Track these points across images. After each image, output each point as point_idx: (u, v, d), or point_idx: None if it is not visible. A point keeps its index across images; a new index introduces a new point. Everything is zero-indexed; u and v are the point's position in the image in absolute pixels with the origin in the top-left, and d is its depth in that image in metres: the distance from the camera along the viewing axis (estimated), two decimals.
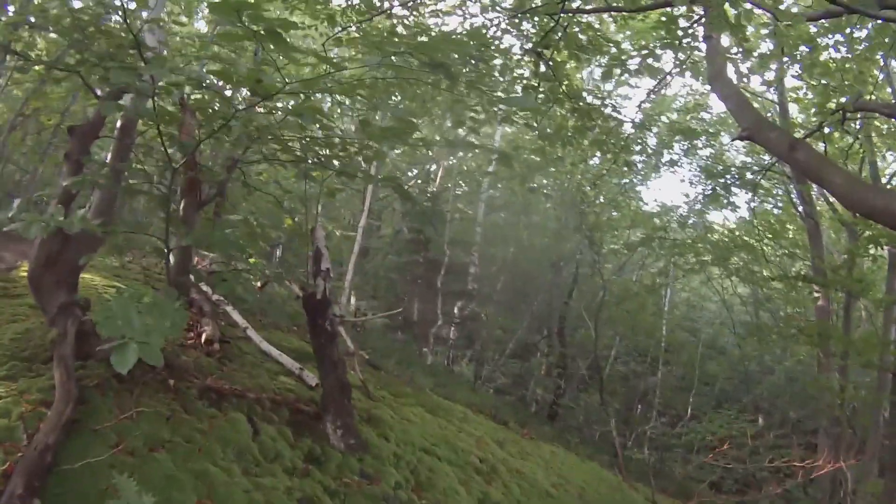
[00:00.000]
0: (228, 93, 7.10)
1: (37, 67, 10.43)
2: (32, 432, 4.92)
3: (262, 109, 6.75)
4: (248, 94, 7.51)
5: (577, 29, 12.15)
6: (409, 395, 11.23)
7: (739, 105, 9.89)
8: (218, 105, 6.09)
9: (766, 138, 9.09)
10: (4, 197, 19.76)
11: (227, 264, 8.61)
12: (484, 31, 13.13)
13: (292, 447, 6.47)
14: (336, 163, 7.11)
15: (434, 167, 28.61)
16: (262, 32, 4.14)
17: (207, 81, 5.28)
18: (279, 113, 6.44)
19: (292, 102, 6.18)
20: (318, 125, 6.32)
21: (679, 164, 22.37)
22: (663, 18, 11.65)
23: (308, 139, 6.57)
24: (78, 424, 5.16)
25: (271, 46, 4.34)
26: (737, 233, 24.20)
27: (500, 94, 7.99)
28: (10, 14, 7.98)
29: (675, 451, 21.95)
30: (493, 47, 10.19)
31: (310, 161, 6.92)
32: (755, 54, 12.15)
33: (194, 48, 12.68)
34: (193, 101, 7.13)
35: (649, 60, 12.80)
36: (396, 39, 5.18)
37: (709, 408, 24.62)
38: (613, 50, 13.21)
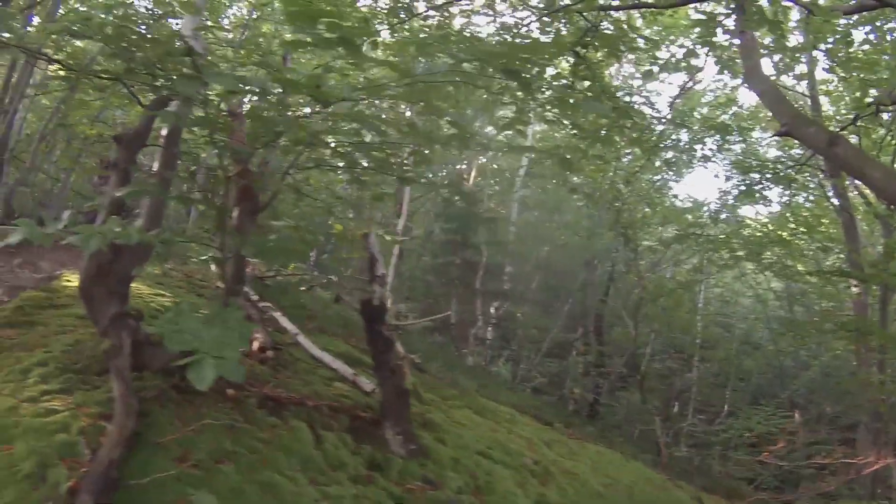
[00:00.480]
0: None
1: (70, 74, 10.40)
2: (95, 447, 4.88)
3: (317, 115, 6.70)
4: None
5: (606, 26, 12.13)
6: (456, 397, 11.19)
7: (777, 101, 9.89)
8: (270, 112, 6.05)
9: (804, 134, 9.11)
10: (36, 206, 19.84)
11: (277, 271, 8.59)
12: (515, 30, 13.11)
13: (354, 455, 6.41)
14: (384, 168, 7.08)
15: (464, 166, 28.50)
16: (337, 39, 4.11)
17: (272, 89, 5.24)
18: (331, 119, 6.39)
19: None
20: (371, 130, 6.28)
21: (712, 159, 22.24)
22: (702, 16, 11.60)
23: (360, 144, 6.53)
24: (139, 438, 5.11)
25: (343, 52, 4.31)
26: (770, 227, 24.07)
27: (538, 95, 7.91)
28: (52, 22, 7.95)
29: (713, 449, 21.80)
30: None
31: (362, 167, 6.89)
32: (785, 48, 12.14)
33: (232, 54, 12.68)
34: (247, 108, 7.10)
35: (689, 59, 12.79)
36: (464, 45, 5.11)
37: (745, 404, 24.44)
38: (643, 45, 13.19)
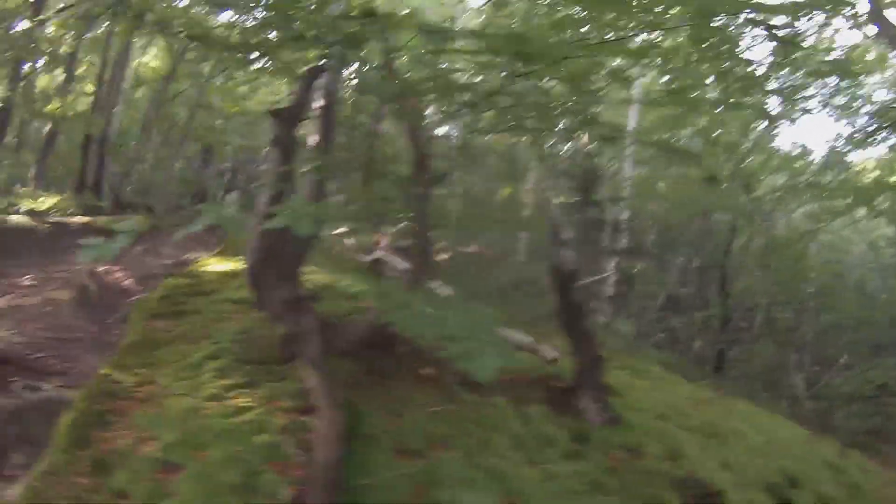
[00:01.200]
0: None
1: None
2: (305, 447, 4.56)
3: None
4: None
5: None
6: (609, 358, 10.97)
7: None
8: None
9: None
10: (139, 196, 20.10)
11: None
12: None
13: (559, 428, 6.08)
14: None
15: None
16: None
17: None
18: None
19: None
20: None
21: (826, 104, 21.70)
22: None
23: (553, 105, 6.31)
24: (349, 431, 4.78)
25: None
26: (881, 171, 23.54)
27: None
28: None
29: (835, 401, 21.41)
30: None
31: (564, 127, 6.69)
32: None
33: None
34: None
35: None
36: None
37: (863, 355, 23.93)
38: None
